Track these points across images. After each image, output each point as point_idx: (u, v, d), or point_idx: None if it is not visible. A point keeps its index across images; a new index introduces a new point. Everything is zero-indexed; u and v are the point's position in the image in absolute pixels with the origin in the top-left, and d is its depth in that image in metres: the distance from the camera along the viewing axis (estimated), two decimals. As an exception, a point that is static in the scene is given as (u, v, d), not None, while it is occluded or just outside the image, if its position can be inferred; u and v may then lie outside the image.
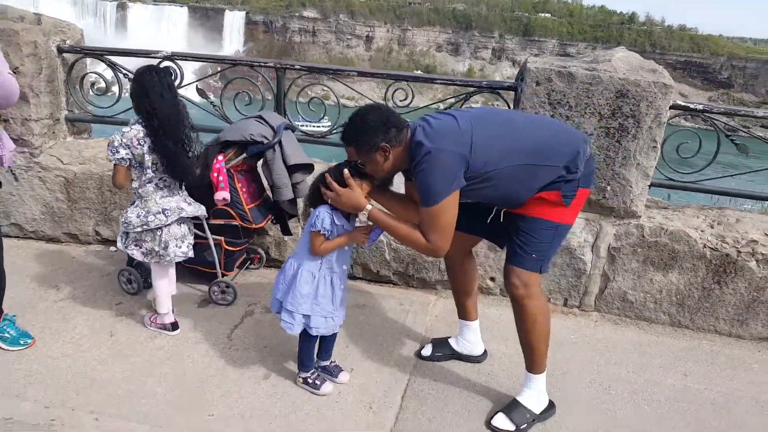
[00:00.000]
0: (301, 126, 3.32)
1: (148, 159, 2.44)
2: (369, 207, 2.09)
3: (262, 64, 3.27)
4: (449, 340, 2.63)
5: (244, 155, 2.76)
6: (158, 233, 2.53)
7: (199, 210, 2.64)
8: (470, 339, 2.60)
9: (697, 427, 2.31)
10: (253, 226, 2.87)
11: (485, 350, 2.63)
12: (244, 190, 2.83)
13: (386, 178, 2.21)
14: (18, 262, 3.26)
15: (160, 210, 2.51)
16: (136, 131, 2.42)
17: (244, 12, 74.73)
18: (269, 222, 3.04)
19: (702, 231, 2.92)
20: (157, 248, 2.55)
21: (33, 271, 3.17)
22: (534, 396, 2.26)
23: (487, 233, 2.41)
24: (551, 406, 2.29)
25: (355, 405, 2.28)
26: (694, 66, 71.99)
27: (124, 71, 3.30)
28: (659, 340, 2.92)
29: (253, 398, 2.29)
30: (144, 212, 2.50)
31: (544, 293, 3.08)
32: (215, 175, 2.69)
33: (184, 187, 2.63)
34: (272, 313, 2.82)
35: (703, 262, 2.89)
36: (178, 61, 3.27)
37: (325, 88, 3.47)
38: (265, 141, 2.72)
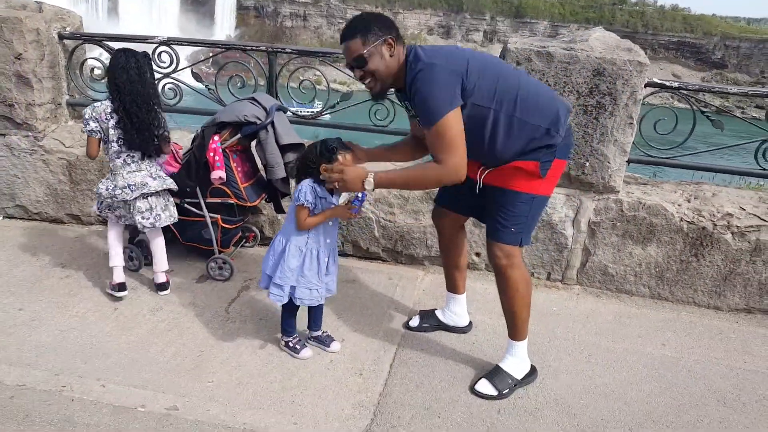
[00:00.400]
0: (295, 111, 3.42)
1: (113, 133, 2.64)
2: (371, 174, 2.08)
3: (254, 48, 3.36)
4: (436, 312, 2.74)
5: (239, 135, 2.87)
6: (128, 204, 2.75)
7: (164, 183, 2.78)
8: (456, 311, 2.71)
9: (673, 392, 2.41)
10: (248, 204, 2.98)
11: (470, 321, 2.74)
12: (239, 169, 2.94)
13: (384, 84, 2.11)
14: (24, 241, 3.38)
15: (126, 185, 2.69)
16: (105, 106, 2.64)
17: (235, -4, 74.03)
18: (263, 200, 3.15)
19: (679, 205, 3.03)
20: (127, 214, 2.78)
21: (39, 251, 3.29)
22: (516, 362, 2.37)
23: (472, 210, 2.49)
24: (533, 371, 2.40)
25: (346, 372, 2.41)
26: (687, 46, 71.59)
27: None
28: (639, 312, 3.02)
29: (250, 366, 2.42)
30: (112, 186, 2.71)
31: (527, 267, 3.20)
32: (211, 155, 2.80)
33: (150, 162, 2.76)
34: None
35: (680, 236, 3.01)
36: (174, 47, 3.36)
37: (317, 73, 3.56)
38: (258, 121, 2.82)
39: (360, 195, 2.31)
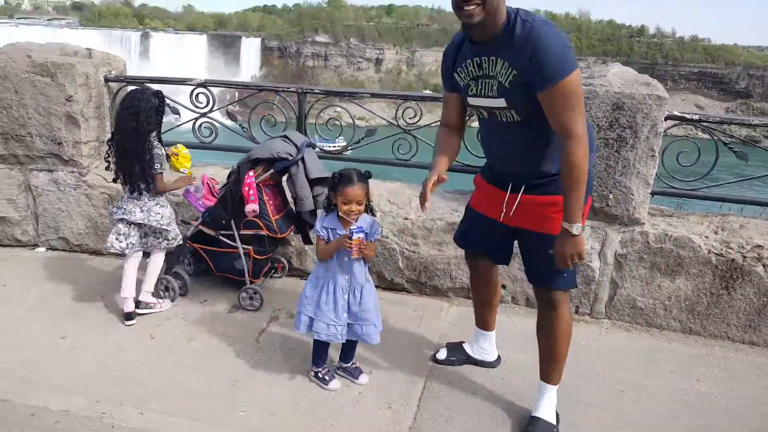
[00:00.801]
0: (322, 146, 3.58)
1: (113, 167, 2.94)
2: (575, 226, 1.90)
3: (285, 89, 3.54)
4: (464, 345, 2.73)
5: (272, 171, 3.01)
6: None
7: (148, 218, 2.92)
8: (485, 347, 2.68)
9: (710, 430, 2.33)
10: (279, 235, 3.09)
11: (498, 355, 2.72)
12: (270, 202, 3.07)
13: (487, 17, 1.85)
14: (66, 272, 3.53)
15: (117, 207, 2.92)
16: (109, 144, 2.94)
17: (260, 39, 76.61)
18: (292, 232, 3.25)
19: (706, 237, 3.02)
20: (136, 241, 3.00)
21: (80, 281, 3.42)
22: (550, 407, 2.30)
23: (504, 256, 2.42)
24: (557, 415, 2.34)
25: (374, 404, 2.42)
26: (709, 77, 70.62)
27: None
28: (671, 346, 2.96)
29: (280, 396, 2.46)
30: (114, 206, 3.01)
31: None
32: (246, 189, 2.93)
33: (147, 195, 2.91)
34: (296, 317, 3.03)
35: (709, 268, 2.98)
36: (210, 88, 3.55)
37: (338, 110, 3.73)
38: (290, 157, 2.97)
39: (356, 227, 2.28)
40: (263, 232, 3.06)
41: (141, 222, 2.92)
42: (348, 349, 2.57)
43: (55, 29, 67.35)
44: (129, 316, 2.95)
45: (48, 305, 3.13)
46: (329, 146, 3.71)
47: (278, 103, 3.70)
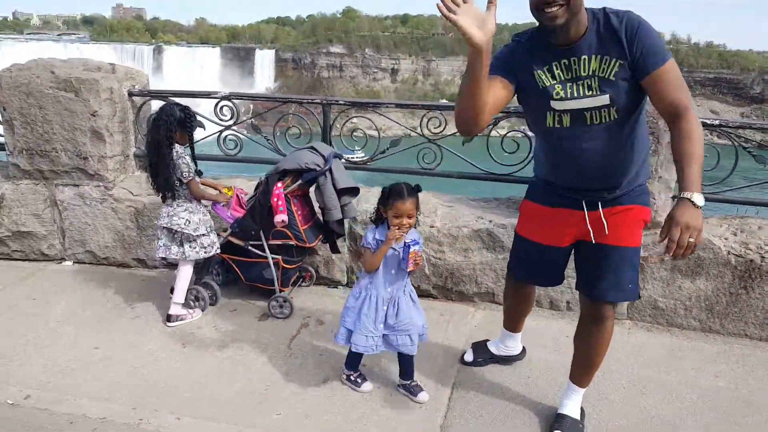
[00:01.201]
0: (348, 157, 3.66)
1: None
2: (693, 194, 1.67)
3: (309, 100, 3.63)
4: (488, 345, 2.79)
5: (300, 181, 3.09)
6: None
7: (170, 222, 3.05)
8: (510, 345, 2.76)
9: (730, 422, 2.42)
10: (307, 245, 3.17)
11: (523, 347, 2.79)
12: (299, 212, 3.15)
13: (569, 19, 1.83)
14: (94, 285, 3.63)
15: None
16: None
17: (274, 50, 77.35)
18: (319, 242, 3.33)
19: (726, 239, 3.07)
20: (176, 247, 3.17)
21: (109, 293, 3.52)
22: (576, 405, 2.36)
23: (560, 278, 2.37)
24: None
25: (405, 405, 2.50)
26: (724, 82, 70.50)
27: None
28: (691, 344, 3.04)
29: (314, 400, 2.53)
30: None
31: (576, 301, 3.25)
32: (275, 200, 3.02)
33: (177, 201, 3.06)
34: (323, 326, 3.11)
35: (728, 269, 3.03)
36: (235, 101, 3.65)
37: (354, 120, 3.81)
38: (318, 168, 3.05)
39: (412, 240, 2.34)
40: (292, 242, 3.14)
41: (165, 225, 3.05)
42: (406, 367, 2.55)
43: (66, 44, 68.41)
44: (168, 318, 3.13)
45: (78, 317, 3.21)
46: (355, 157, 3.78)
47: (301, 114, 3.80)
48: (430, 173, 3.52)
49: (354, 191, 3.16)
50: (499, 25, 1.78)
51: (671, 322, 3.20)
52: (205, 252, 3.12)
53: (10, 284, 3.63)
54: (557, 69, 1.93)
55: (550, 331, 3.11)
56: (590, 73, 1.89)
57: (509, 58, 2.01)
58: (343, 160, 3.28)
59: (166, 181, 2.98)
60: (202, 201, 3.16)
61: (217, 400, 2.52)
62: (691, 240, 1.62)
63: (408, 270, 2.34)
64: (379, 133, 3.53)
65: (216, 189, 3.27)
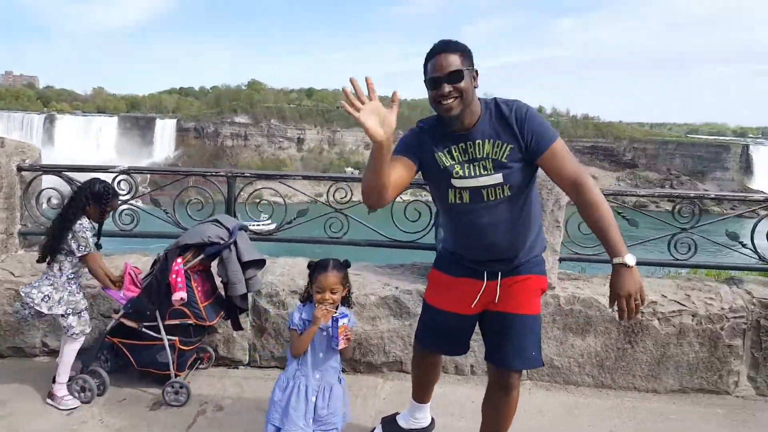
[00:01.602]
0: (253, 227, 3.62)
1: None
2: (627, 256, 1.93)
3: (214, 173, 3.59)
4: (397, 418, 2.77)
5: (202, 256, 2.98)
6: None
7: (28, 293, 2.88)
8: (419, 417, 2.75)
9: None
10: (207, 323, 3.01)
11: (432, 419, 2.78)
12: (199, 289, 3.01)
13: (463, 109, 2.04)
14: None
15: None
16: None
17: (176, 120, 76.02)
18: (221, 319, 3.18)
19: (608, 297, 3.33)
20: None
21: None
22: None
23: (466, 347, 2.46)
24: None
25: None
26: (601, 150, 79.29)
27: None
28: (587, 401, 3.19)
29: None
30: None
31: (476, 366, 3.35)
32: (174, 276, 2.87)
33: (49, 274, 2.92)
34: (223, 412, 2.93)
35: (614, 325, 3.28)
36: (134, 175, 3.53)
37: (257, 188, 3.82)
38: (222, 241, 2.96)
39: (340, 313, 2.23)
40: (191, 321, 2.97)
41: (22, 295, 2.88)
42: None
43: (-55, 110, 63.08)
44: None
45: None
46: (261, 224, 3.75)
47: (202, 186, 3.73)
48: (337, 242, 3.56)
49: (260, 263, 3.10)
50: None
51: (567, 380, 3.36)
52: (74, 337, 2.94)
53: None
54: (456, 151, 2.13)
55: (456, 396, 3.14)
56: (485, 155, 2.10)
57: (413, 141, 2.19)
58: (248, 232, 3.23)
59: (53, 247, 2.88)
60: (81, 281, 3.02)
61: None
62: (637, 302, 1.90)
63: (339, 348, 2.21)
64: (285, 202, 3.55)
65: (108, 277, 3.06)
